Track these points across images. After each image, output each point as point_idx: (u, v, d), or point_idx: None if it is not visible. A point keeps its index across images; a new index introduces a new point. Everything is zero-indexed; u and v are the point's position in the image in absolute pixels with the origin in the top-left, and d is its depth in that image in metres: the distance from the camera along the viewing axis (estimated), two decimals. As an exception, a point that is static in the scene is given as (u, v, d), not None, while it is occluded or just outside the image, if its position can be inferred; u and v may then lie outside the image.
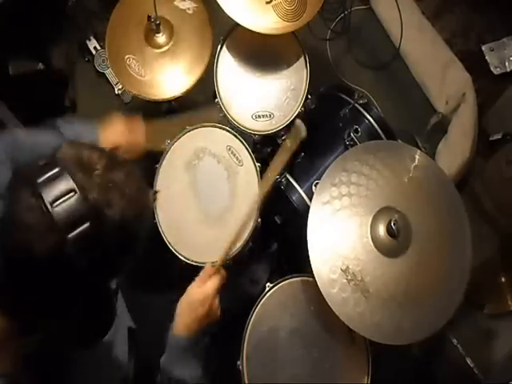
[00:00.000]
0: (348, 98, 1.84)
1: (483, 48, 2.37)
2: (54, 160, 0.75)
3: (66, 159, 0.75)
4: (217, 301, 1.17)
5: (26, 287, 0.72)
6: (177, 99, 1.69)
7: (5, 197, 0.73)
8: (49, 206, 0.70)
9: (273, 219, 1.85)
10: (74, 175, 0.73)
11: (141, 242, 0.82)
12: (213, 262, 1.26)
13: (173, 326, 1.14)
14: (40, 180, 0.71)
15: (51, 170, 0.73)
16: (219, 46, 1.71)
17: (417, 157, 1.47)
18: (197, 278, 1.18)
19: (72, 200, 0.71)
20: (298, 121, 1.49)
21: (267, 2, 1.54)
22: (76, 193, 0.71)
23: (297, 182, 1.75)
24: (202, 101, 2.07)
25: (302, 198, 1.73)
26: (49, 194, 0.70)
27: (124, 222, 0.75)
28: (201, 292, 1.15)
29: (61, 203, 0.70)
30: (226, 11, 1.49)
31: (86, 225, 0.71)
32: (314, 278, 1.34)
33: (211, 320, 1.16)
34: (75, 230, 0.70)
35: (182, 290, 1.18)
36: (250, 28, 1.52)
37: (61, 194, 0.71)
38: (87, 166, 0.75)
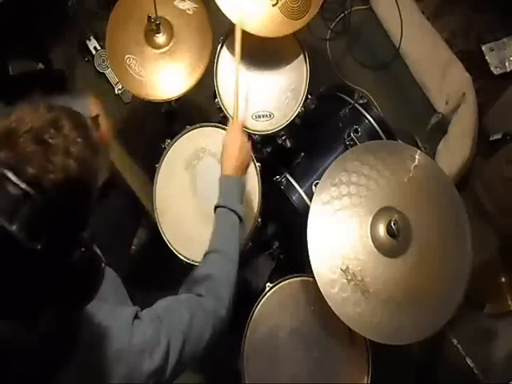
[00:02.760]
0: (348, 98, 1.84)
1: (483, 48, 2.37)
2: None
3: None
4: (243, 137, 1.39)
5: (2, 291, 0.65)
6: (177, 99, 1.69)
7: None
8: None
9: (273, 219, 1.86)
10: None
11: (97, 184, 0.74)
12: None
13: (221, 172, 1.31)
14: None
15: None
16: (219, 46, 1.71)
17: (417, 157, 1.47)
18: (226, 131, 1.43)
19: (3, 188, 0.62)
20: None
21: (273, 5, 1.56)
22: (5, 177, 0.62)
23: (297, 182, 1.75)
24: (201, 101, 2.07)
25: (302, 198, 1.73)
26: None
27: (69, 178, 0.66)
28: (231, 135, 1.38)
29: None
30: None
31: (28, 206, 0.62)
32: (314, 277, 1.34)
33: (246, 155, 1.37)
34: (16, 218, 0.62)
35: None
36: (258, 33, 1.55)
37: None
38: (8, 136, 0.66)
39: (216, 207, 1.28)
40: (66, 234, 0.68)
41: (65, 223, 0.67)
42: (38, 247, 0.63)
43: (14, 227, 0.61)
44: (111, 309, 0.92)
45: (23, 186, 0.63)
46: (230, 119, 1.50)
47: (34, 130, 0.66)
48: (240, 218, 1.26)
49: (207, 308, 1.06)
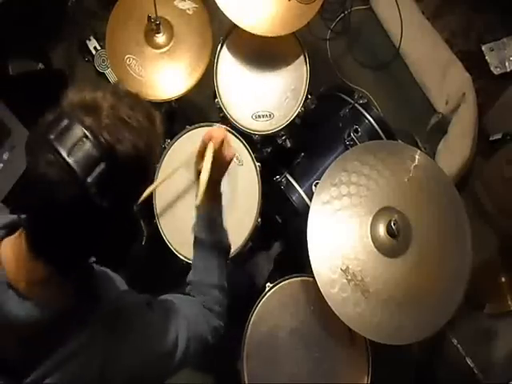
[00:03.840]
0: (348, 98, 1.84)
1: (483, 48, 2.37)
2: (61, 112, 0.78)
3: (72, 107, 0.78)
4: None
5: (59, 235, 0.78)
6: (177, 99, 1.69)
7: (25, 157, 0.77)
8: (66, 159, 0.73)
9: (273, 219, 1.85)
10: (83, 122, 0.76)
11: (154, 167, 0.87)
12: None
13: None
14: (53, 135, 0.75)
15: (60, 122, 0.76)
16: (219, 46, 1.72)
17: (417, 157, 1.47)
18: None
19: (85, 146, 0.74)
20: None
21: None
22: (88, 138, 0.75)
23: (297, 182, 1.75)
24: (201, 101, 2.07)
25: (302, 198, 1.73)
26: (64, 147, 0.74)
27: (137, 153, 0.78)
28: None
29: (76, 152, 0.74)
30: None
31: (102, 166, 0.75)
32: (314, 277, 1.34)
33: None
34: (93, 173, 0.74)
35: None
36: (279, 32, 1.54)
37: (74, 144, 0.74)
38: (93, 108, 0.78)
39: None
40: (125, 197, 0.82)
41: (126, 188, 0.80)
42: (104, 203, 0.75)
43: (88, 180, 0.73)
44: (130, 291, 1.02)
45: (100, 148, 0.75)
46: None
47: (114, 107, 0.78)
48: (227, 248, 1.21)
49: (208, 317, 1.11)
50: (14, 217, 0.90)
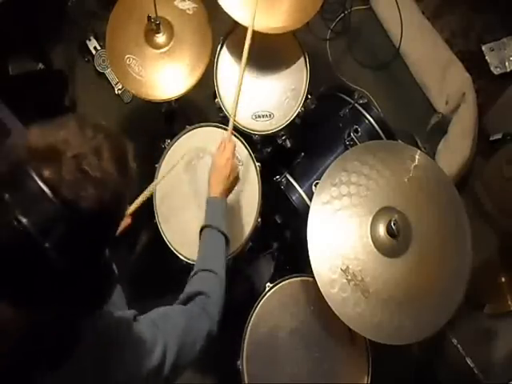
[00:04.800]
0: (348, 98, 1.84)
1: (483, 48, 2.37)
2: (18, 160, 0.68)
3: (31, 153, 0.69)
4: (235, 161, 1.42)
5: (19, 293, 0.69)
6: (177, 99, 1.69)
7: None
8: (22, 220, 0.65)
9: (273, 219, 1.85)
10: (41, 174, 0.67)
11: (123, 211, 0.79)
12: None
13: (209, 194, 1.34)
14: (7, 193, 0.66)
15: (16, 175, 0.67)
16: (219, 46, 1.71)
17: (417, 157, 1.47)
18: (216, 150, 1.40)
19: (43, 205, 0.66)
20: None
21: None
22: (46, 196, 0.66)
23: (297, 182, 1.75)
24: (201, 101, 2.07)
25: (302, 197, 1.73)
26: (18, 206, 0.66)
27: (101, 207, 0.70)
28: (223, 157, 1.36)
29: (32, 212, 0.66)
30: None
31: (62, 227, 0.67)
32: (314, 277, 1.34)
33: (235, 180, 1.39)
34: (50, 236, 0.66)
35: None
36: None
37: (30, 202, 0.66)
38: (54, 157, 0.69)
39: (205, 226, 1.30)
40: (90, 254, 0.74)
41: (91, 245, 0.73)
42: (66, 266, 0.68)
43: (47, 244, 0.66)
44: (115, 310, 0.96)
45: (59, 206, 0.67)
46: (225, 135, 1.45)
47: (78, 157, 0.70)
48: (227, 239, 1.29)
49: (200, 321, 1.10)
50: None
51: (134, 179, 0.79)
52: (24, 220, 0.65)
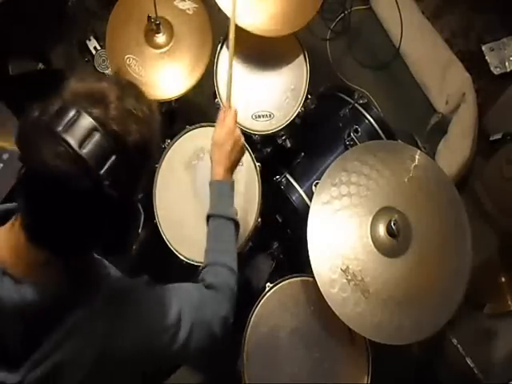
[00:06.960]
0: (348, 98, 1.84)
1: (483, 48, 2.37)
2: (65, 102, 0.77)
3: (76, 97, 0.78)
4: (238, 130, 1.29)
5: (65, 224, 0.78)
6: (177, 99, 1.69)
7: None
8: (78, 150, 0.73)
9: (273, 219, 1.85)
10: (91, 113, 0.75)
11: (158, 149, 0.90)
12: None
13: (212, 176, 1.24)
14: (60, 127, 0.74)
15: (66, 114, 0.75)
16: (219, 46, 1.71)
17: (417, 157, 1.47)
18: (216, 122, 1.30)
19: (96, 138, 0.74)
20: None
21: None
22: (97, 130, 0.75)
23: (297, 182, 1.75)
24: (201, 101, 2.07)
25: (302, 197, 1.73)
26: (74, 139, 0.73)
27: (144, 142, 0.80)
28: (224, 129, 1.27)
29: (87, 144, 0.73)
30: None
31: (114, 157, 0.75)
32: (314, 278, 1.34)
33: (240, 153, 1.28)
34: (105, 165, 0.74)
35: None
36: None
37: (84, 136, 0.74)
38: (100, 99, 0.78)
39: (211, 215, 1.21)
40: (133, 186, 0.84)
41: (135, 177, 0.83)
42: (114, 194, 0.76)
43: (102, 172, 0.74)
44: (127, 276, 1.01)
45: (110, 139, 0.75)
46: (222, 106, 1.34)
47: (120, 98, 0.79)
48: (237, 224, 1.22)
49: (215, 302, 1.09)
50: (6, 205, 0.89)
51: (159, 124, 0.87)
52: (80, 151, 0.73)
